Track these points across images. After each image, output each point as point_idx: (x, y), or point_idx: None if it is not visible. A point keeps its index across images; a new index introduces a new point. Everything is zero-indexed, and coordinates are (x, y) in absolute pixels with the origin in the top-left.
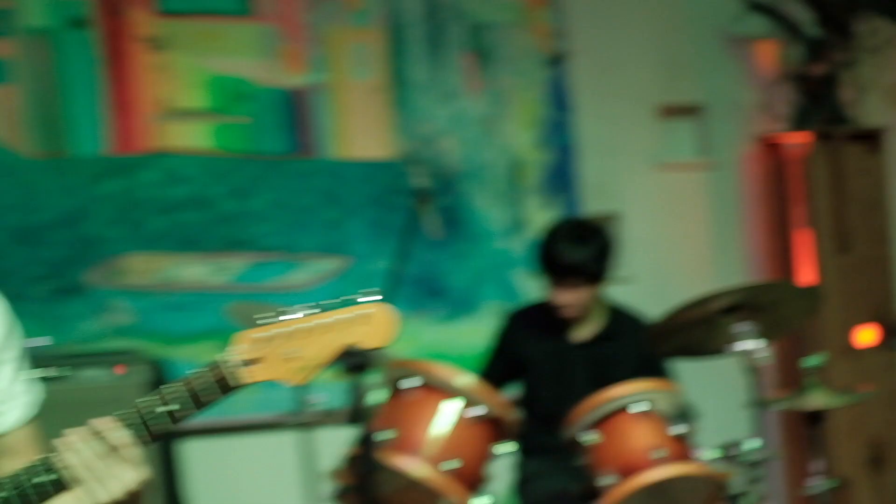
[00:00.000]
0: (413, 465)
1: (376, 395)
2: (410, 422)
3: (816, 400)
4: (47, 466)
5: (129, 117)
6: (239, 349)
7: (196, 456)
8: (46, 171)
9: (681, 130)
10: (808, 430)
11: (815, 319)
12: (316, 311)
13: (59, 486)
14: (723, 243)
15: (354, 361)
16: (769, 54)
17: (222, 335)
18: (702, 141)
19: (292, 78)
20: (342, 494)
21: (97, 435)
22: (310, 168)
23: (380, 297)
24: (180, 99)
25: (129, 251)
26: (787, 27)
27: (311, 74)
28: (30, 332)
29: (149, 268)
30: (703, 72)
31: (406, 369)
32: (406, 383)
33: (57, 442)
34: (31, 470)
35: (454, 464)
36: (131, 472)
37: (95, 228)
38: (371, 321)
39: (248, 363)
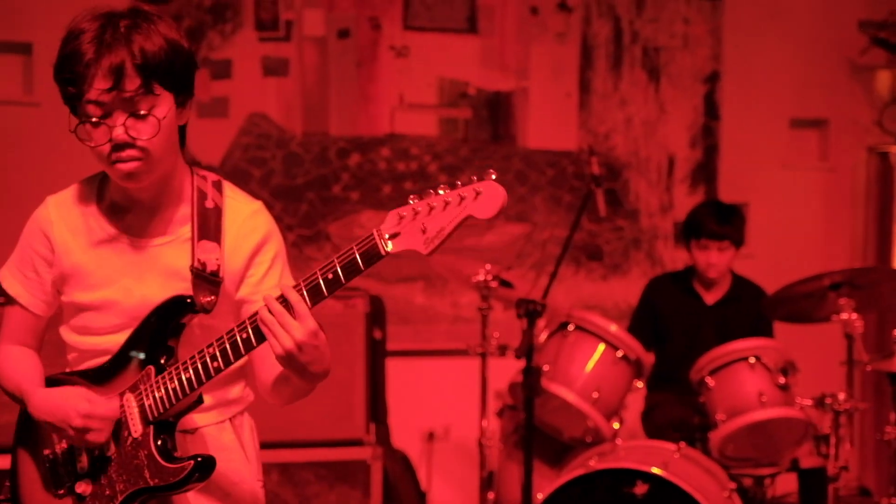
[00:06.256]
0: (565, 392)
1: (541, 336)
2: (566, 358)
3: None
4: (250, 324)
5: (374, 107)
6: (389, 224)
7: (398, 372)
8: (308, 146)
9: (806, 139)
10: (890, 387)
11: None
12: (449, 189)
13: (249, 345)
14: (832, 232)
15: (527, 308)
16: (886, 81)
17: (427, 278)
18: (823, 149)
19: (502, 83)
20: (509, 411)
21: (281, 296)
22: (508, 153)
23: (493, 177)
24: (414, 95)
25: (363, 210)
26: None
27: (517, 81)
28: None
29: (377, 224)
30: (830, 92)
31: (566, 316)
32: (565, 327)
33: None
34: (241, 326)
35: (597, 394)
36: (298, 327)
37: (339, 191)
38: (482, 196)
39: (393, 236)
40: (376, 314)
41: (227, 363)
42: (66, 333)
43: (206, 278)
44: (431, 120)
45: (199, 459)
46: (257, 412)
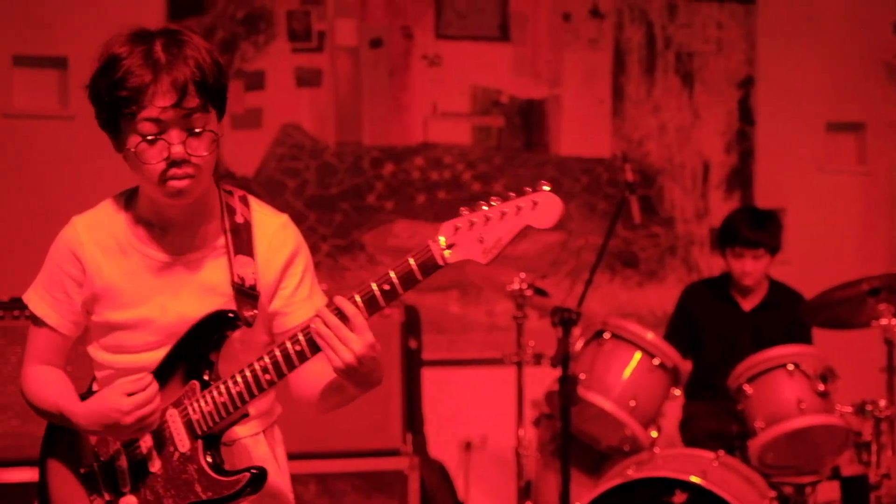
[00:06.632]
0: (602, 401)
1: (577, 344)
2: (603, 366)
3: None
4: (303, 336)
5: (407, 116)
6: (444, 235)
7: (434, 382)
8: (342, 156)
9: (842, 143)
10: None
11: None
12: (502, 200)
13: (303, 356)
14: (870, 237)
15: (562, 317)
16: None
17: (461, 287)
18: (860, 152)
19: (535, 90)
20: (545, 420)
21: (336, 309)
22: (541, 160)
23: (547, 188)
24: (447, 104)
25: (397, 219)
26: None
27: (549, 88)
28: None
29: (411, 233)
30: (866, 95)
31: (601, 324)
32: (601, 335)
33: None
34: (293, 338)
35: (634, 402)
36: (357, 340)
37: (373, 200)
38: (539, 206)
39: (449, 246)
40: (411, 324)
41: (280, 375)
42: (97, 352)
43: (247, 293)
44: (464, 128)
45: (254, 472)
46: (294, 423)
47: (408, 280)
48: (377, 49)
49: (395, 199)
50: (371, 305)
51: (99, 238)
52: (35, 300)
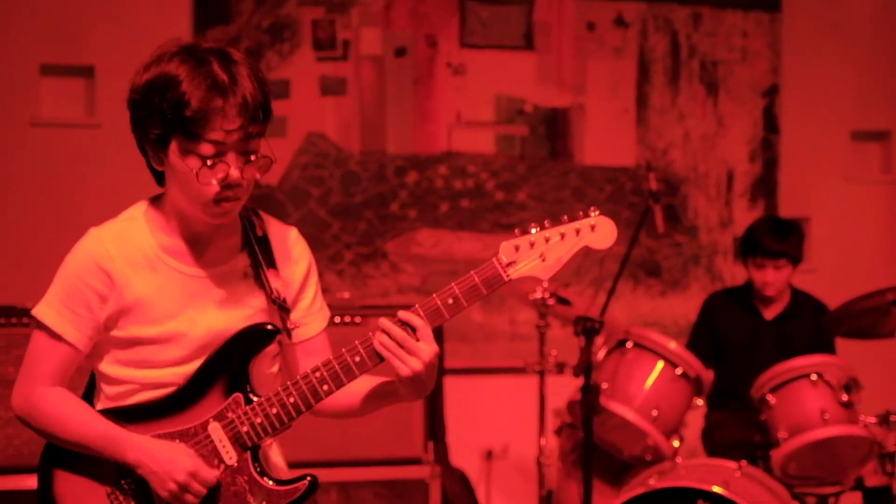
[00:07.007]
0: (625, 410)
1: (599, 353)
2: (625, 376)
3: None
4: (363, 347)
5: (431, 125)
6: (505, 254)
7: (456, 390)
8: (366, 164)
9: (868, 152)
10: None
11: None
12: (558, 224)
13: (363, 367)
14: None
15: (585, 326)
16: None
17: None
18: (885, 161)
19: (559, 99)
20: (567, 429)
21: (401, 321)
22: (565, 170)
23: (597, 212)
24: (471, 113)
25: (420, 228)
26: None
27: (573, 97)
28: (338, 286)
29: (434, 242)
30: (892, 104)
31: (624, 333)
32: (623, 344)
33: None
34: (351, 350)
35: (656, 411)
36: (426, 349)
37: (397, 209)
38: (597, 229)
39: (510, 264)
40: (434, 332)
41: (339, 385)
42: (114, 368)
43: (282, 306)
44: (488, 137)
45: (310, 479)
46: (316, 432)
47: (472, 294)
48: (401, 58)
49: (418, 208)
50: (434, 318)
51: (127, 252)
52: (51, 315)
